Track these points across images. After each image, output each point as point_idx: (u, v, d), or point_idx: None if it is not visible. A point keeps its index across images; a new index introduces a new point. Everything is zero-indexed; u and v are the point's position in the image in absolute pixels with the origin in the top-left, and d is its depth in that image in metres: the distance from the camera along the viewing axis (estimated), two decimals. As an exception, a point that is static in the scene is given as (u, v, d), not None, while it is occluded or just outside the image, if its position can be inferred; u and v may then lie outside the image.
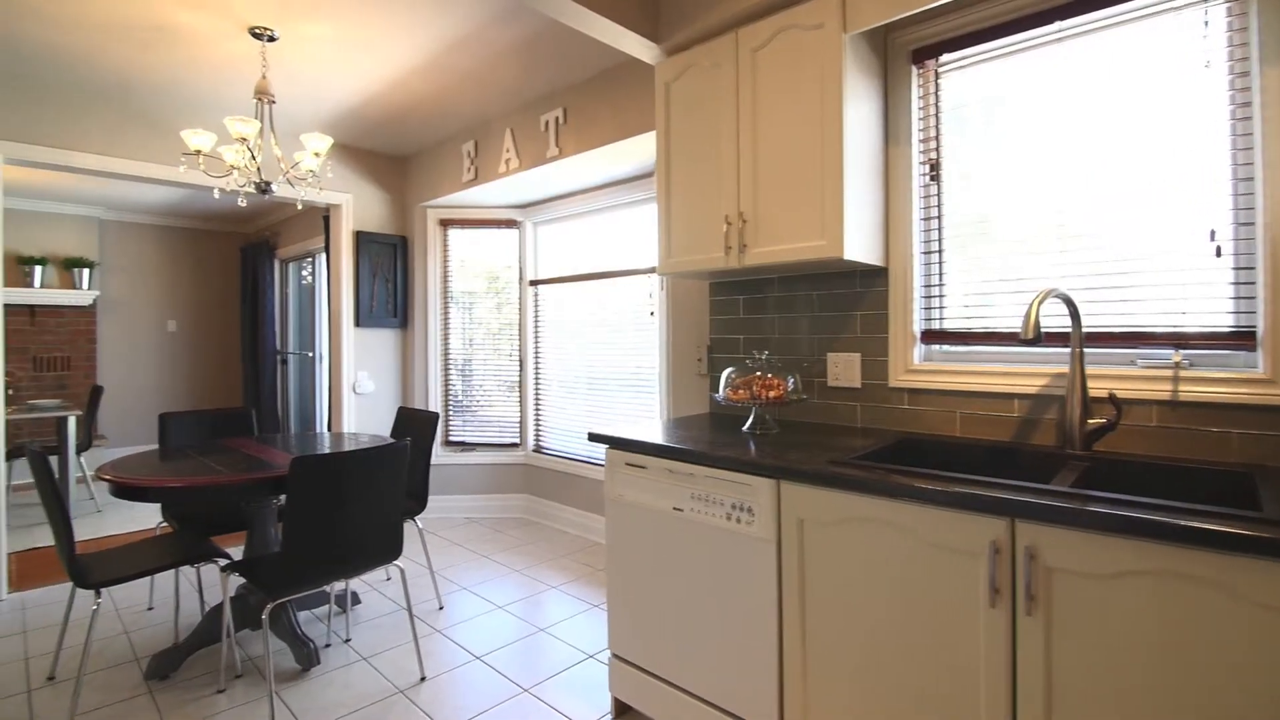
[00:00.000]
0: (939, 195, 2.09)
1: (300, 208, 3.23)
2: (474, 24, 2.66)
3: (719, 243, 2.13)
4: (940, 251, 2.07)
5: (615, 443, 2.00)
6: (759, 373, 2.03)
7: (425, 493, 2.92)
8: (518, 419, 4.43)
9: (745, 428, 2.07)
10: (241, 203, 2.65)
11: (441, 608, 2.91)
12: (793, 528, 1.57)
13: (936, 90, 2.11)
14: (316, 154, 2.64)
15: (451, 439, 4.47)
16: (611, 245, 3.97)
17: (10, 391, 5.75)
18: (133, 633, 2.72)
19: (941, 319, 2.07)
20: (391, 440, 2.72)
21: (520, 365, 4.42)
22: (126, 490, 2.11)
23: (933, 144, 2.10)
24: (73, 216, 6.08)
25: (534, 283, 4.41)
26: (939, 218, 2.08)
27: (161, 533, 2.74)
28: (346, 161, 4.20)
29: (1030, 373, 1.81)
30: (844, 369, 2.18)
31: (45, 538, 3.99)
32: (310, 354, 6.09)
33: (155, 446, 6.82)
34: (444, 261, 4.48)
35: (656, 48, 2.37)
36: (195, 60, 2.92)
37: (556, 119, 3.34)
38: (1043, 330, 1.81)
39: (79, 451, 4.62)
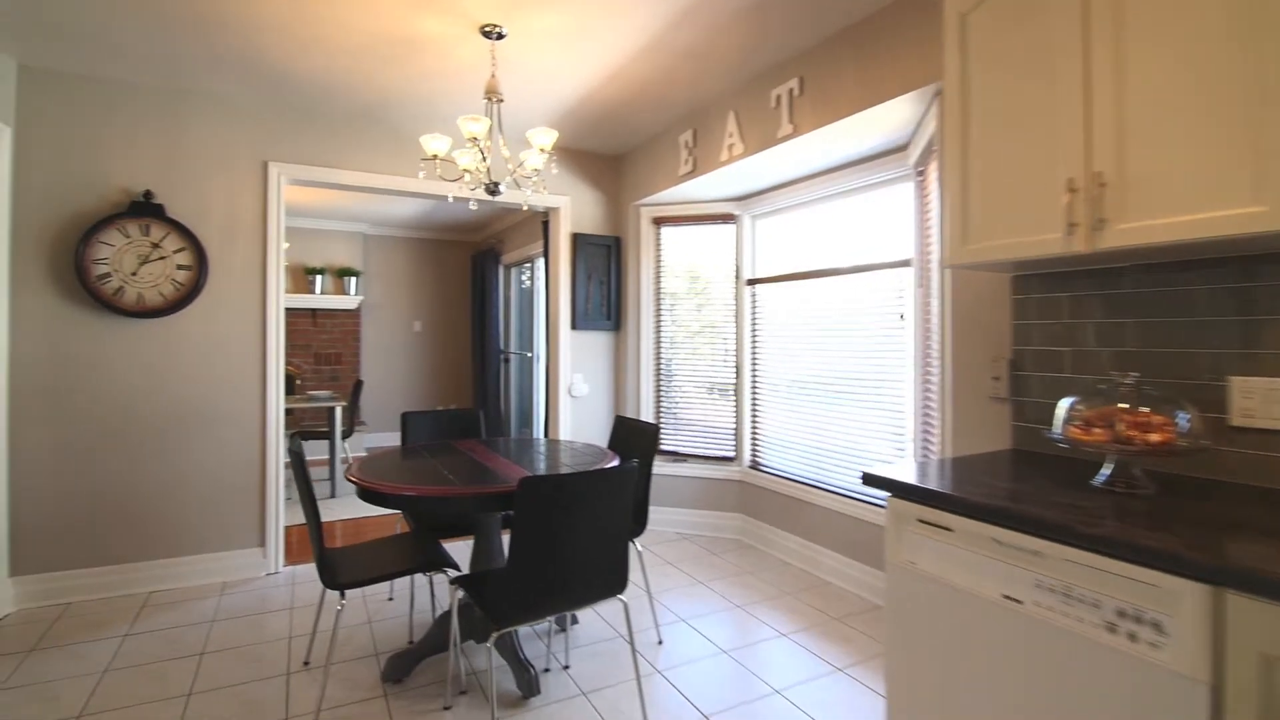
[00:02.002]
0: None
1: (525, 208, 3.17)
2: (708, -14, 2.33)
3: (1054, 219, 1.53)
4: None
5: (904, 491, 1.51)
6: (1125, 405, 1.41)
7: (645, 513, 2.67)
8: (730, 429, 4.07)
9: (1099, 482, 1.45)
10: (473, 206, 2.62)
11: (660, 642, 2.64)
12: (1249, 667, 0.96)
13: None
14: (542, 149, 2.51)
15: (663, 447, 4.25)
16: (844, 236, 3.43)
17: (298, 382, 6.79)
18: (375, 622, 2.84)
19: None
20: (618, 460, 2.50)
21: (736, 373, 4.05)
22: (369, 494, 2.11)
23: None
24: (344, 232, 7.02)
25: (752, 281, 4.01)
26: None
27: (401, 530, 2.83)
28: (564, 164, 4.18)
29: None
30: (1263, 401, 1.45)
31: (324, 513, 4.51)
32: (529, 354, 6.35)
33: (401, 436, 7.66)
34: (656, 261, 4.27)
35: (947, -28, 1.82)
36: (432, 70, 2.98)
37: (790, 91, 2.90)
38: None
39: (344, 437, 5.23)
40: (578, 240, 4.20)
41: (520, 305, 7.09)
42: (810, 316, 3.60)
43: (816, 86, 2.79)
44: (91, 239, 2.96)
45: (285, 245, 6.31)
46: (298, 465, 2.15)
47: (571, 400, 4.20)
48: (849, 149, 3.05)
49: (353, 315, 7.09)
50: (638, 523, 2.66)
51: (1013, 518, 1.28)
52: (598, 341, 4.33)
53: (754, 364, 4.00)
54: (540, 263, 6.17)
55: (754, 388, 4.00)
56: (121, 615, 2.89)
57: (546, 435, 4.40)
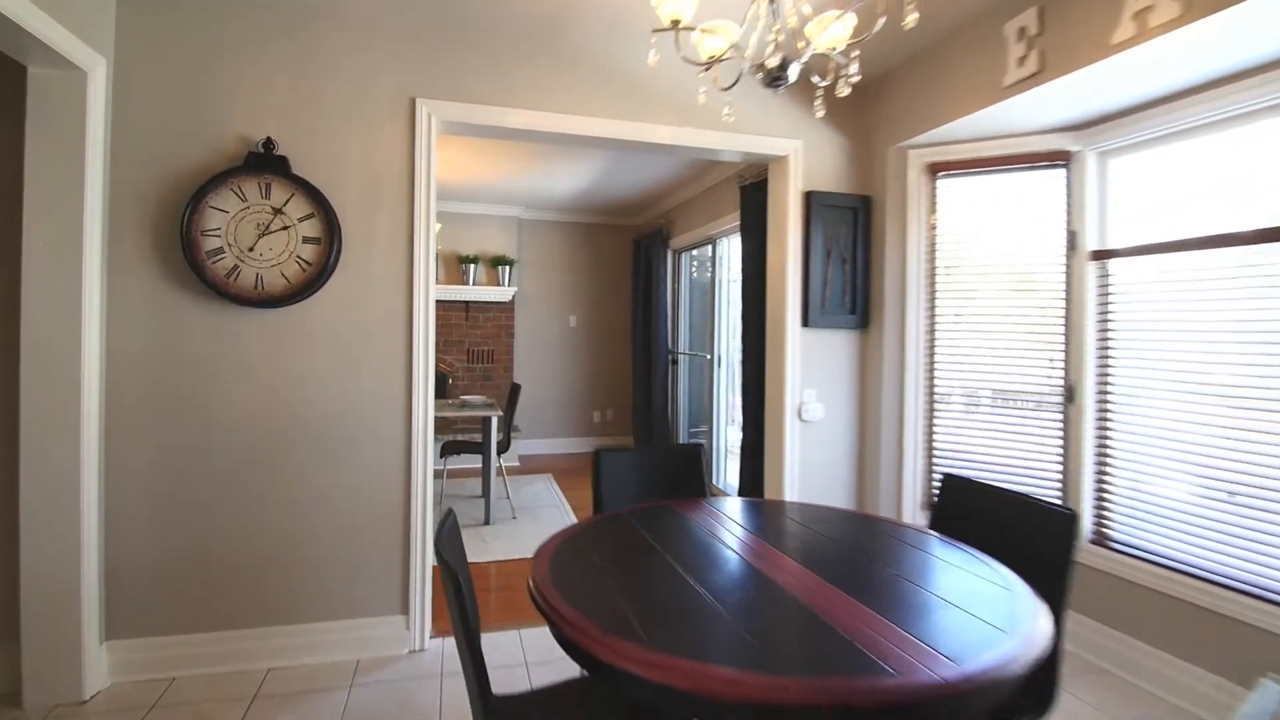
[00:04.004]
0: None
1: (820, 108, 1.89)
2: None
3: None
4: None
5: None
6: None
7: (1054, 686, 1.40)
8: (1053, 479, 2.68)
9: None
10: (727, 115, 1.51)
11: None
12: None
13: None
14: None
15: (937, 500, 2.93)
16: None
17: (450, 382, 6.20)
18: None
19: None
20: (1013, 577, 1.26)
21: (1065, 396, 2.64)
22: (588, 660, 1.06)
23: None
24: (497, 217, 6.34)
25: (1100, 254, 2.58)
26: None
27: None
28: (793, 94, 2.97)
29: None
30: None
31: (478, 549, 3.70)
32: (707, 356, 5.24)
33: (593, 485, 6.62)
34: (930, 227, 2.95)
35: None
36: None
37: None
38: None
39: (499, 451, 4.43)
40: (812, 202, 2.99)
41: (693, 297, 6.02)
42: (1223, 310, 2.13)
43: None
44: (201, 203, 2.23)
45: (437, 226, 5.69)
46: (451, 588, 1.14)
47: (800, 426, 3.00)
48: None
49: (506, 308, 6.40)
50: (1039, 701, 1.40)
51: None
52: (836, 344, 3.09)
53: (1101, 382, 2.57)
54: (728, 243, 5.04)
55: (1100, 417, 2.57)
56: (229, 708, 2.13)
57: (745, 476, 3.25)
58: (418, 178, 2.48)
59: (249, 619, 2.37)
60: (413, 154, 2.48)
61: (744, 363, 4.04)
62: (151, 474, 2.28)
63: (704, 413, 5.48)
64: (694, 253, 5.87)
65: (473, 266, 6.16)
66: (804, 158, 3.00)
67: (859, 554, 1.50)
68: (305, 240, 2.33)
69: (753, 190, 3.90)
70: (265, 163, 2.29)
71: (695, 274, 5.98)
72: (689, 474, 2.13)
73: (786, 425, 2.97)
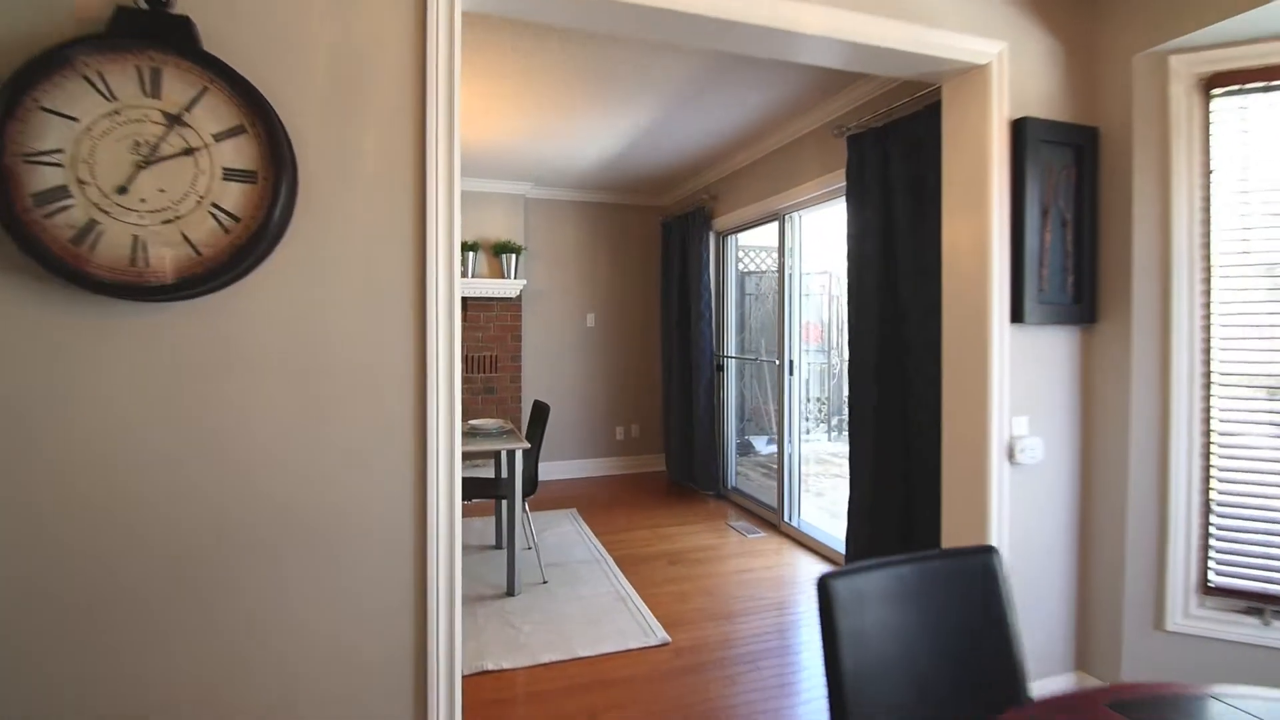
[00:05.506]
0: None
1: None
2: None
3: None
4: None
5: None
6: None
7: None
8: None
9: None
10: None
11: None
12: None
13: None
14: None
15: (1213, 582, 1.95)
16: None
17: (446, 395, 5.12)
18: None
19: None
20: None
21: None
22: None
23: None
24: (501, 195, 5.26)
25: None
26: None
27: None
28: (991, -24, 1.97)
29: None
30: None
31: (508, 643, 2.65)
32: (775, 360, 4.21)
33: (570, 466, 5.10)
34: (1203, 172, 1.96)
35: None
36: None
37: None
38: None
39: (525, 494, 3.36)
40: (1026, 136, 1.98)
41: (745, 289, 5.02)
42: None
43: None
44: (23, 104, 1.15)
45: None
46: None
47: (1010, 471, 2.00)
48: None
49: (512, 306, 5.33)
50: None
51: None
52: (1055, 348, 2.09)
53: None
54: (799, 219, 4.04)
55: None
56: None
57: (856, 522, 2.23)
58: (432, 72, 1.43)
59: None
60: (423, 30, 1.43)
61: (852, 373, 3.05)
62: (-68, 622, 1.19)
63: (770, 426, 4.48)
64: (748, 235, 4.86)
65: (472, 255, 5.08)
66: (1010, 70, 2.00)
67: None
68: (228, 175, 1.26)
69: (870, 141, 2.91)
70: (150, 28, 1.21)
71: (751, 261, 4.98)
72: (985, 616, 1.09)
73: (991, 473, 1.96)
